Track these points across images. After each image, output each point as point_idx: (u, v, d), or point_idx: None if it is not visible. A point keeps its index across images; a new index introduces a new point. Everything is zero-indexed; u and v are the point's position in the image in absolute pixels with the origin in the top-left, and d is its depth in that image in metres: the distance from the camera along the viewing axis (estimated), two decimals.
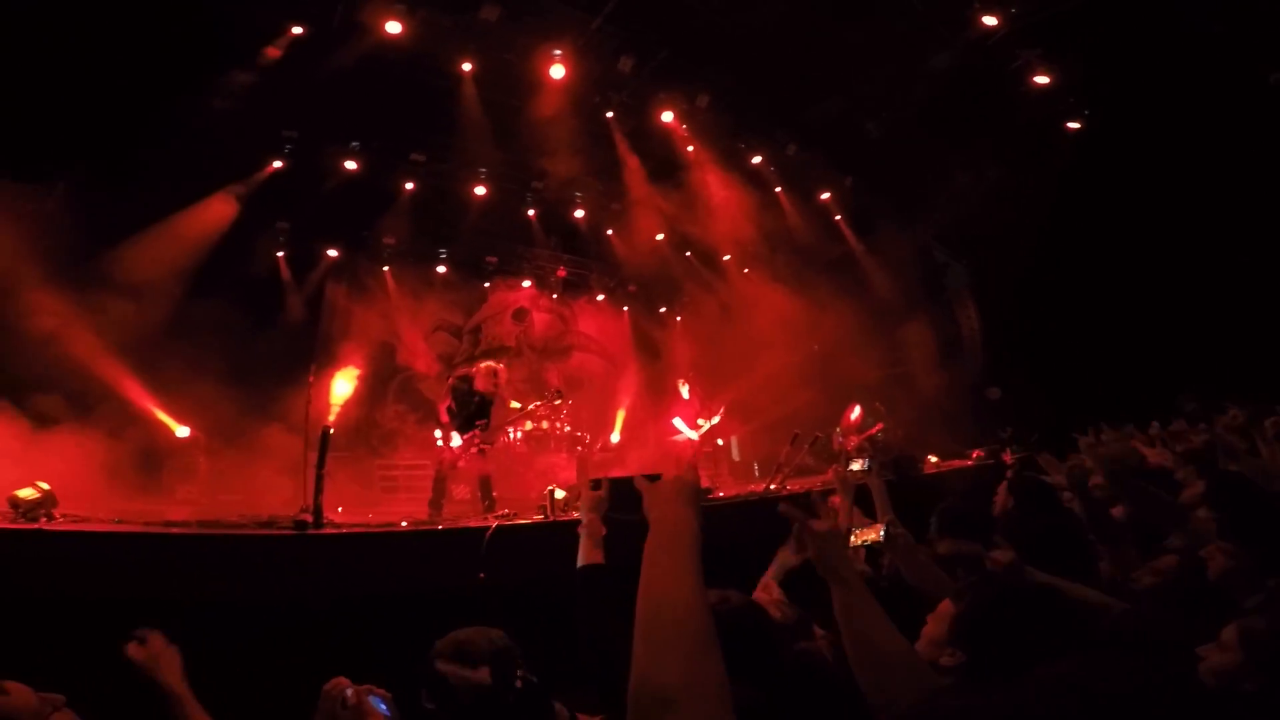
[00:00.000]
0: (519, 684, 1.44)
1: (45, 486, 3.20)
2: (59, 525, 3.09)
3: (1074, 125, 8.22)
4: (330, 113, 7.64)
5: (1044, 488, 3.17)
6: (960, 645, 1.44)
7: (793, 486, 6.30)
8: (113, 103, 6.16)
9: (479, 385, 6.02)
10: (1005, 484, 3.34)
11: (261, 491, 6.05)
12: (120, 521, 3.40)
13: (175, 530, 3.29)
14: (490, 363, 6.35)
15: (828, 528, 1.40)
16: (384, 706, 1.67)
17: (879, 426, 8.71)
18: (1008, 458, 6.96)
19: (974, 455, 8.02)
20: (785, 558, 2.73)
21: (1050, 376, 8.36)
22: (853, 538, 2.25)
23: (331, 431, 4.46)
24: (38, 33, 5.51)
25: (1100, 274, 8.22)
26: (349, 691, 1.64)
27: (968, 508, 2.84)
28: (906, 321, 10.29)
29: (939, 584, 2.01)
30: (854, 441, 8.83)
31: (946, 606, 1.58)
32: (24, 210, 5.87)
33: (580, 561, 1.96)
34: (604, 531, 2.12)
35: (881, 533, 2.15)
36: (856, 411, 8.90)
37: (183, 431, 6.85)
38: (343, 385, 4.76)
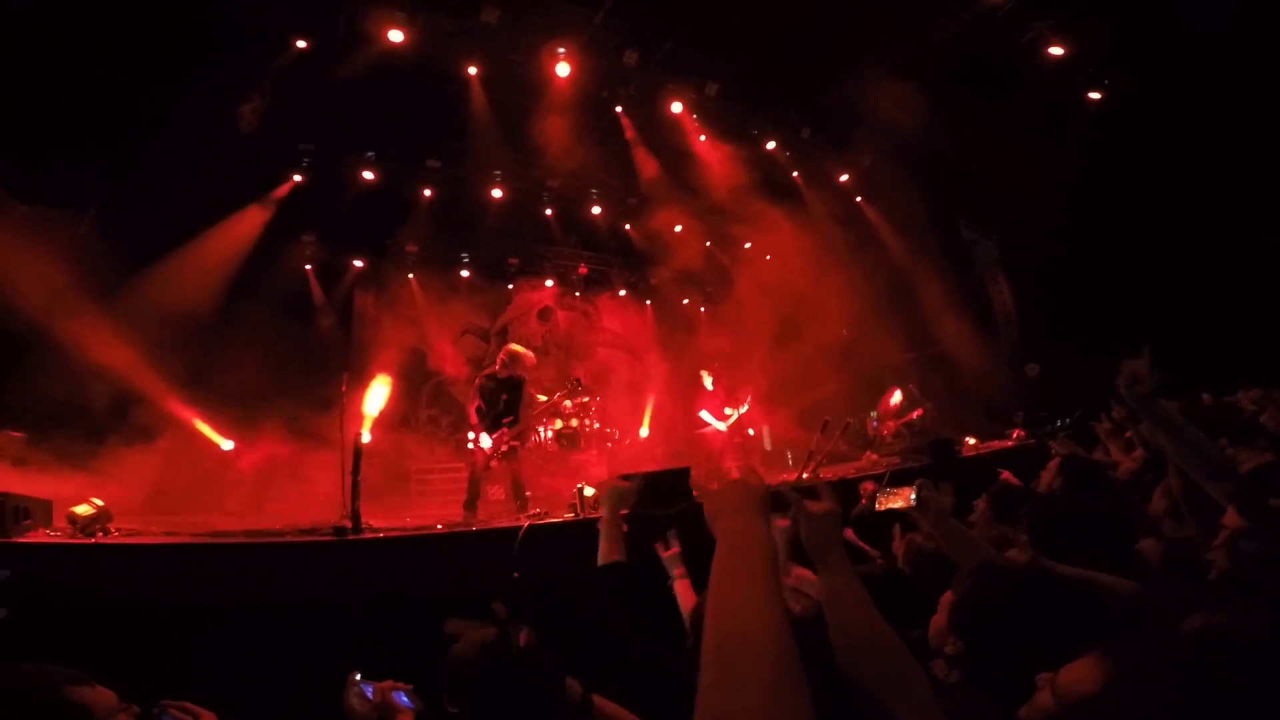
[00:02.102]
0: (524, 642, 1.46)
1: (100, 503, 3.36)
2: (114, 539, 3.26)
3: (1095, 95, 7.97)
4: (344, 124, 7.82)
5: (1094, 467, 3.08)
6: (958, 633, 1.44)
7: (825, 474, 6.22)
8: (132, 128, 6.38)
9: (502, 371, 6.07)
10: (1055, 463, 3.25)
11: (305, 500, 6.24)
12: (171, 534, 3.56)
13: (222, 540, 3.43)
14: (512, 346, 6.39)
15: (824, 509, 1.37)
16: (406, 699, 1.73)
17: (918, 412, 8.54)
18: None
19: (1014, 435, 7.81)
20: (779, 531, 2.69)
21: (1089, 351, 8.09)
22: (878, 503, 2.15)
23: (368, 440, 4.57)
24: (53, 64, 5.73)
25: (1133, 244, 7.92)
26: (369, 689, 1.70)
27: (1021, 493, 2.79)
28: (936, 301, 10.07)
29: (977, 555, 1.96)
30: (891, 427, 8.69)
31: (949, 595, 1.57)
32: (60, 235, 6.11)
33: (600, 560, 1.97)
34: (624, 529, 2.13)
35: (913, 497, 2.01)
36: (897, 396, 8.74)
37: (227, 445, 7.10)
38: (376, 396, 4.85)
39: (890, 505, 2.06)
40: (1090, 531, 2.00)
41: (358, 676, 1.78)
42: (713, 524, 0.99)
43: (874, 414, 9.44)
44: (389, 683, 1.80)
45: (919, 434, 8.23)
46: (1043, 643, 1.23)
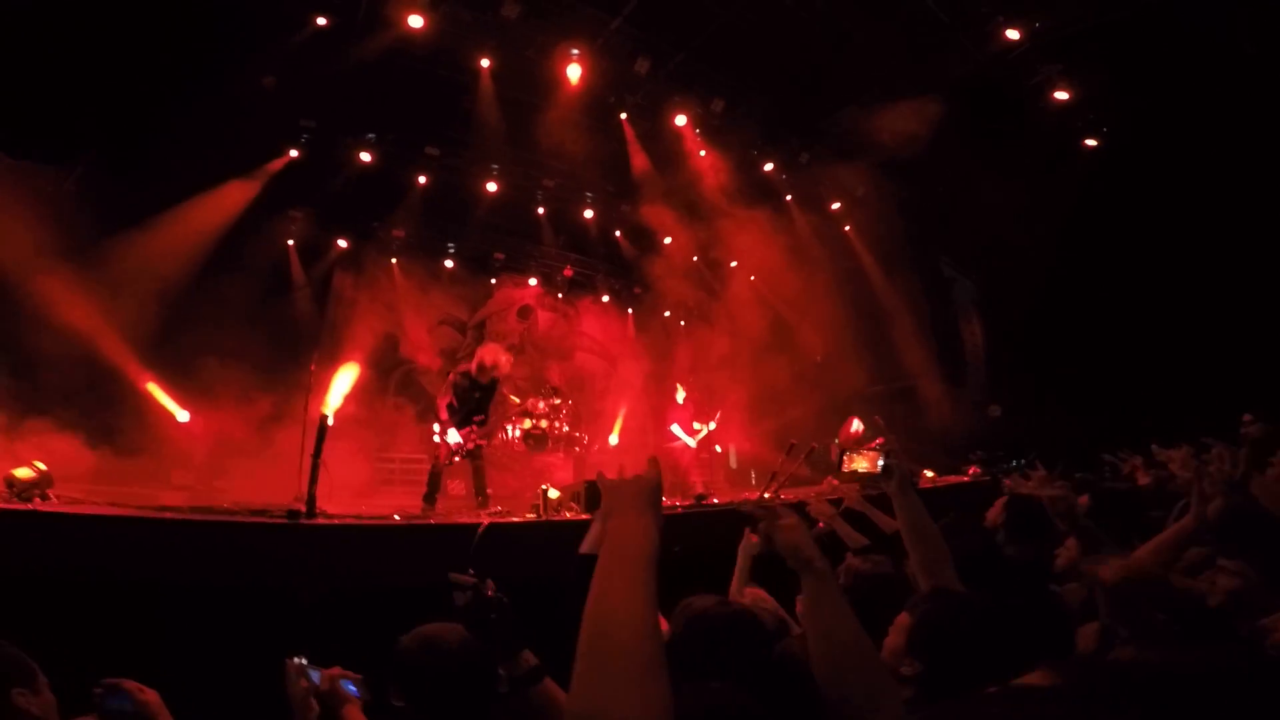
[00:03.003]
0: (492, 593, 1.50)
1: (42, 467, 3.22)
2: (52, 506, 3.12)
3: (1091, 142, 8.15)
4: (349, 104, 7.72)
5: (1036, 509, 3.15)
6: (916, 655, 1.48)
7: (788, 496, 6.28)
8: (134, 87, 6.23)
9: (479, 369, 5.99)
10: (1000, 501, 3.32)
11: (258, 479, 6.08)
12: (114, 505, 3.43)
13: (168, 515, 3.32)
14: (493, 345, 6.32)
15: (790, 522, 1.40)
16: (354, 688, 1.70)
17: (879, 441, 8.65)
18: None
19: (970, 471, 7.98)
20: (748, 546, 2.77)
21: (1055, 396, 8.32)
22: (844, 461, 2.17)
23: (330, 423, 4.47)
24: (62, 17, 5.57)
25: (1112, 295, 8.14)
26: (315, 674, 1.66)
27: (970, 524, 2.87)
28: (909, 335, 10.25)
29: (928, 533, 1.99)
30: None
31: (903, 617, 1.61)
32: (43, 191, 5.91)
33: (586, 547, 1.91)
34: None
35: (880, 463, 2.01)
36: (856, 424, 8.84)
37: (184, 416, 6.89)
38: (343, 382, 4.76)
39: (855, 466, 2.08)
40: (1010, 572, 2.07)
41: (301, 661, 1.74)
42: (606, 519, 1.01)
43: (838, 440, 9.57)
44: (337, 670, 1.76)
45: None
46: (1001, 665, 1.27)
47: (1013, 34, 7.09)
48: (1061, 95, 7.61)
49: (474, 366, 5.96)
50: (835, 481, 7.78)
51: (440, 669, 1.58)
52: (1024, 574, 2.09)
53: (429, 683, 1.58)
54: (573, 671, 0.77)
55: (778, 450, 7.25)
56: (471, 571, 1.65)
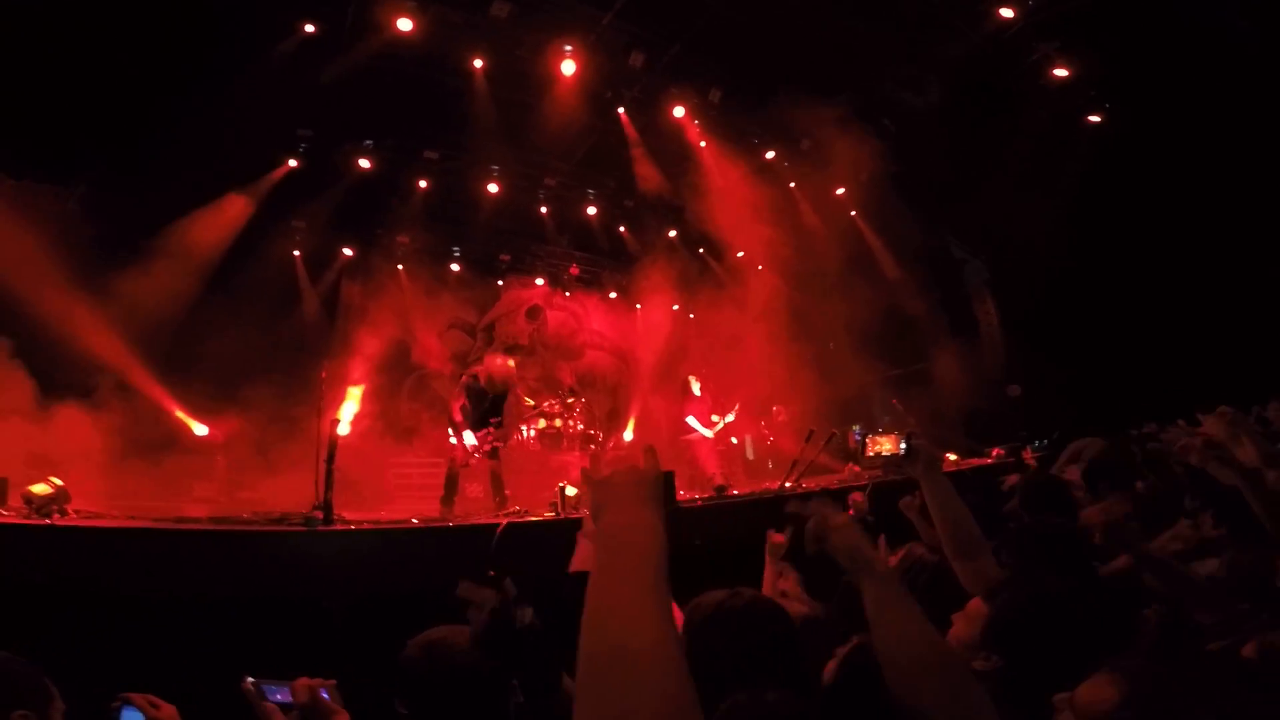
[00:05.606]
0: (528, 620, 1.39)
1: (59, 482, 3.23)
2: (71, 521, 3.12)
3: (1094, 119, 8.04)
4: (344, 111, 7.67)
5: (1055, 485, 3.04)
6: (995, 649, 1.37)
7: (808, 484, 6.22)
8: (130, 104, 6.25)
9: (491, 377, 5.99)
10: (1015, 480, 3.22)
11: (277, 489, 6.10)
12: (133, 518, 3.43)
13: (187, 527, 3.32)
14: (500, 355, 6.32)
15: (843, 520, 1.28)
16: (325, 695, 1.49)
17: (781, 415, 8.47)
18: (1028, 456, 6.82)
19: (994, 453, 7.86)
20: (774, 547, 2.69)
21: (1071, 373, 8.19)
22: (868, 446, 2.12)
23: (345, 431, 4.48)
24: (55, 36, 5.60)
25: (1123, 270, 8.02)
26: (276, 692, 1.50)
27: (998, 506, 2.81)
28: (922, 318, 10.13)
29: (959, 516, 1.90)
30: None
31: (977, 605, 1.50)
32: (46, 211, 5.97)
33: (576, 565, 1.87)
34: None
35: (902, 445, 1.95)
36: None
37: (201, 430, 6.93)
38: (350, 405, 4.79)
39: (878, 449, 2.05)
40: (1055, 550, 1.96)
41: (251, 680, 1.51)
42: (596, 518, 0.84)
43: (856, 427, 9.49)
44: (304, 680, 1.49)
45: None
46: (1084, 659, 1.19)
47: (1007, 13, 7.05)
48: (1060, 72, 7.54)
49: (483, 379, 5.98)
50: (856, 468, 7.72)
51: (447, 677, 1.46)
52: (1062, 548, 1.96)
53: (435, 691, 1.46)
54: (575, 714, 0.63)
55: (795, 439, 7.19)
56: (495, 576, 1.54)
